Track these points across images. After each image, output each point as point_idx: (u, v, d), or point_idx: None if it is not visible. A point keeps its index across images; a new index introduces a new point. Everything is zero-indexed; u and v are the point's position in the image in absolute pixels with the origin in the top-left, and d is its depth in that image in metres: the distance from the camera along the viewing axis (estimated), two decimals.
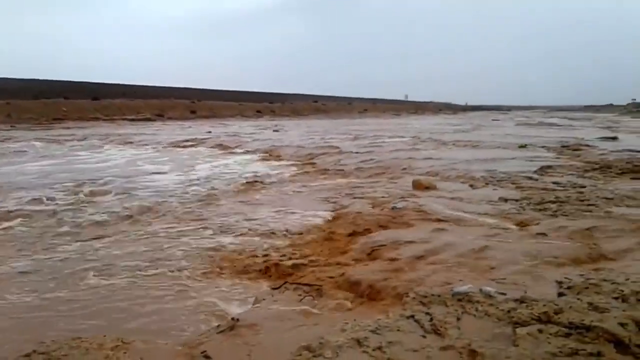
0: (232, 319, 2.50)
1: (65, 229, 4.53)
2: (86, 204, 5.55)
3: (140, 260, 3.58)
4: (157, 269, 3.41)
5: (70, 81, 36.18)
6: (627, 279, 2.57)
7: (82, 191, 6.28)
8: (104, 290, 3.06)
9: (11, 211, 5.11)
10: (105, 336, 2.27)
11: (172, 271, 3.37)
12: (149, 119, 29.91)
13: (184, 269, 3.40)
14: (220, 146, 12.91)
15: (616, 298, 2.30)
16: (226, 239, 4.04)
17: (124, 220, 4.84)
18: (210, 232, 4.31)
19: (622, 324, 1.98)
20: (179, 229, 4.45)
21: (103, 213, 5.09)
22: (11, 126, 21.43)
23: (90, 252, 3.81)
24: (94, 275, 3.29)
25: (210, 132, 18.23)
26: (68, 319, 2.68)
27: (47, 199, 5.69)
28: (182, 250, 3.80)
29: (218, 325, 2.48)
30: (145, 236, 4.25)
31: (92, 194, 6.17)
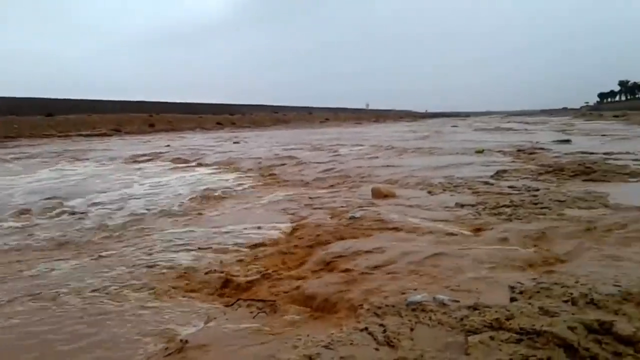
0: (181, 340, 2.41)
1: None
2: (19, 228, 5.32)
3: (84, 281, 3.43)
4: (102, 290, 3.26)
5: (21, 97, 35.05)
6: (577, 282, 2.61)
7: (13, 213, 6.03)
8: (43, 315, 2.90)
9: None
10: None
11: (118, 292, 3.23)
12: (105, 134, 29.23)
13: (132, 289, 3.26)
14: (179, 159, 12.68)
15: (566, 301, 2.32)
16: (178, 256, 3.91)
17: (73, 240, 4.65)
18: (160, 249, 4.17)
19: (571, 328, 1.99)
20: (127, 247, 4.30)
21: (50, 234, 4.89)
22: None
23: (30, 275, 3.63)
24: (30, 301, 3.12)
25: (168, 145, 17.92)
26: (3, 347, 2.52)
27: None
28: (130, 269, 3.66)
29: (166, 348, 2.38)
30: (89, 257, 4.07)
31: (29, 215, 5.93)
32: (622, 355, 1.85)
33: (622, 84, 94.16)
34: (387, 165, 9.64)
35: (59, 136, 27.05)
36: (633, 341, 1.91)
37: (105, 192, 7.47)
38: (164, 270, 3.58)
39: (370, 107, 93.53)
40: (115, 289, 3.23)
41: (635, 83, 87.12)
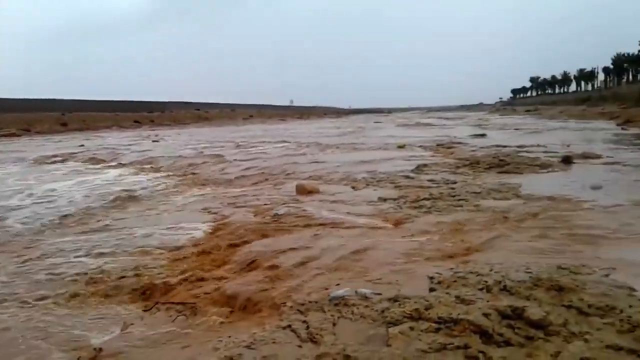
0: (95, 349, 2.27)
1: None
2: None
3: None
4: (10, 299, 3.02)
5: None
6: (491, 270, 2.71)
7: None
8: None
9: None
10: None
11: (29, 300, 3.01)
12: (13, 135, 27.32)
13: (44, 297, 3.05)
14: (94, 159, 12.07)
15: (481, 289, 2.40)
16: (93, 261, 3.71)
17: None
18: (76, 253, 3.94)
19: (485, 315, 2.06)
20: (39, 252, 4.02)
21: None
22: None
23: None
24: None
25: (83, 145, 17.01)
26: None
27: None
28: (42, 276, 3.42)
29: (78, 358, 2.24)
30: None
31: None
32: (534, 338, 1.93)
33: (533, 80, 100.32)
34: (312, 162, 9.66)
35: None
36: (543, 325, 2.00)
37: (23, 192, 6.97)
38: (76, 277, 3.37)
39: (294, 104, 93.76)
40: (20, 298, 3.00)
41: (545, 79, 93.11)
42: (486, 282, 2.48)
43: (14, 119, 31.85)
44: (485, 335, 1.95)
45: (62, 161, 12.07)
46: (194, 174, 8.90)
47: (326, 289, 2.68)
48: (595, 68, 69.94)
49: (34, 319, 2.74)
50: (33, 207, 6.06)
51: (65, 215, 5.51)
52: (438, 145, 12.21)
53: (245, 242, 3.95)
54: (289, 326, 2.24)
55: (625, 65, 59.28)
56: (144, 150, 14.07)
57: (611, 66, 62.59)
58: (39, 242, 4.39)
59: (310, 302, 2.49)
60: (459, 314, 2.08)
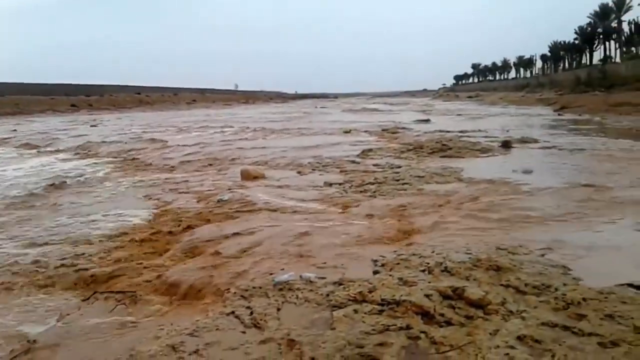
0: (29, 341, 2.16)
1: None
2: None
3: None
4: None
5: None
6: (433, 252, 2.77)
7: None
8: None
9: None
10: None
11: None
12: None
13: None
14: (27, 145, 11.48)
15: (423, 271, 2.44)
16: (26, 251, 3.52)
17: None
18: (9, 242, 3.73)
19: (427, 296, 2.10)
20: None
21: None
22: None
23: None
24: None
25: (15, 130, 16.16)
26: None
27: None
28: None
29: (11, 351, 2.12)
30: None
31: None
32: (474, 318, 1.99)
33: (475, 66, 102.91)
34: (257, 147, 9.58)
35: None
36: (482, 304, 2.06)
37: None
38: (8, 267, 3.19)
39: (239, 88, 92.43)
40: None
41: (486, 66, 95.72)
42: (428, 263, 2.53)
43: None
44: (427, 316, 1.99)
45: None
46: (134, 159, 8.62)
47: (270, 274, 2.65)
48: (533, 55, 72.60)
49: None
50: None
51: None
52: (383, 130, 12.36)
53: (188, 229, 3.86)
54: (233, 312, 2.21)
55: (561, 52, 61.77)
56: (81, 135, 13.52)
57: (548, 53, 65.10)
58: None
59: (254, 287, 2.47)
60: (401, 296, 2.11)
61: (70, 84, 47.88)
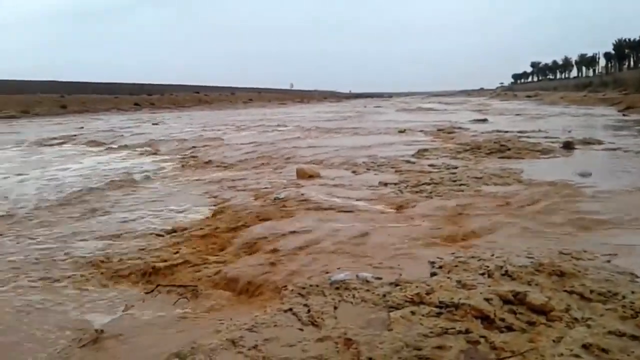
0: (96, 330, 2.27)
1: None
2: None
3: None
4: (13, 281, 3.01)
5: None
6: (493, 255, 2.71)
7: None
8: None
9: None
10: None
11: (31, 282, 3.00)
12: (12, 117, 27.21)
13: (44, 278, 3.04)
14: (94, 142, 12.02)
15: (482, 274, 2.40)
16: (94, 244, 3.70)
17: None
18: (76, 236, 3.93)
19: (487, 300, 2.06)
20: (40, 233, 4.01)
21: None
22: None
23: None
24: None
25: (82, 127, 16.97)
26: None
27: None
28: (41, 258, 3.41)
29: (80, 340, 2.23)
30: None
31: None
32: (536, 324, 1.93)
33: (534, 65, 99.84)
34: (312, 146, 9.64)
35: None
36: (545, 310, 2.00)
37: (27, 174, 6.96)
38: (78, 259, 3.37)
39: (294, 88, 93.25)
40: (22, 280, 3.00)
41: (546, 64, 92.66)
42: (487, 267, 2.48)
43: (12, 100, 31.69)
44: (487, 320, 1.95)
45: (61, 143, 12.04)
46: (194, 157, 8.88)
47: (327, 272, 2.68)
48: (596, 53, 69.58)
49: (36, 299, 2.74)
50: (31, 190, 6.04)
51: (66, 198, 5.50)
52: (439, 130, 12.16)
53: (246, 226, 3.94)
54: (290, 309, 2.24)
55: (626, 51, 58.99)
56: (144, 133, 14.03)
57: (612, 52, 62.27)
58: (39, 225, 4.38)
59: (311, 285, 2.50)
60: (460, 299, 2.08)
61: (134, 84, 49.79)
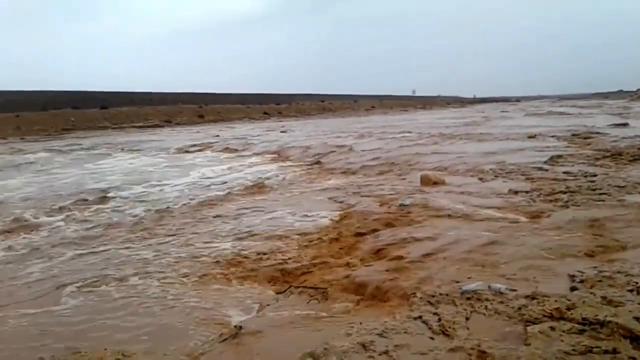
0: (236, 327, 2.44)
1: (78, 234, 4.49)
2: (94, 212, 5.53)
3: (143, 266, 3.53)
4: (159, 276, 3.35)
5: (77, 91, 36.30)
6: None
7: (89, 200, 6.25)
8: (100, 300, 3.01)
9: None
10: (105, 350, 2.22)
11: (176, 277, 3.31)
12: (157, 126, 29.95)
13: (187, 275, 3.34)
14: (228, 149, 12.86)
15: (630, 291, 2.21)
16: (231, 244, 3.99)
17: (129, 226, 4.79)
18: (213, 237, 4.26)
19: (637, 318, 1.90)
20: (182, 235, 4.40)
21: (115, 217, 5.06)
22: (21, 138, 21.54)
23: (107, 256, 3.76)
24: (110, 283, 3.25)
25: (217, 135, 18.20)
26: (67, 331, 2.62)
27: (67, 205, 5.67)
28: (185, 255, 3.75)
29: (221, 334, 2.42)
30: (149, 242, 4.20)
31: (102, 201, 6.15)
32: None
33: None
34: (436, 152, 9.47)
35: (113, 128, 27.92)
36: None
37: (172, 179, 7.70)
38: (216, 258, 3.65)
39: (416, 94, 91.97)
40: (167, 276, 3.32)
41: None
42: (636, 283, 2.29)
43: (157, 111, 34.87)
44: (637, 341, 1.80)
45: (200, 150, 13.02)
46: (319, 163, 9.15)
47: (457, 282, 2.63)
48: None
49: (177, 296, 3.01)
50: (175, 193, 6.63)
51: (204, 201, 5.97)
52: (573, 135, 11.31)
53: (372, 231, 3.99)
54: (420, 317, 2.24)
55: None
56: (273, 141, 14.71)
57: None
58: (179, 225, 4.80)
59: (440, 294, 2.47)
60: (606, 316, 1.94)
61: (263, 94, 52.53)
